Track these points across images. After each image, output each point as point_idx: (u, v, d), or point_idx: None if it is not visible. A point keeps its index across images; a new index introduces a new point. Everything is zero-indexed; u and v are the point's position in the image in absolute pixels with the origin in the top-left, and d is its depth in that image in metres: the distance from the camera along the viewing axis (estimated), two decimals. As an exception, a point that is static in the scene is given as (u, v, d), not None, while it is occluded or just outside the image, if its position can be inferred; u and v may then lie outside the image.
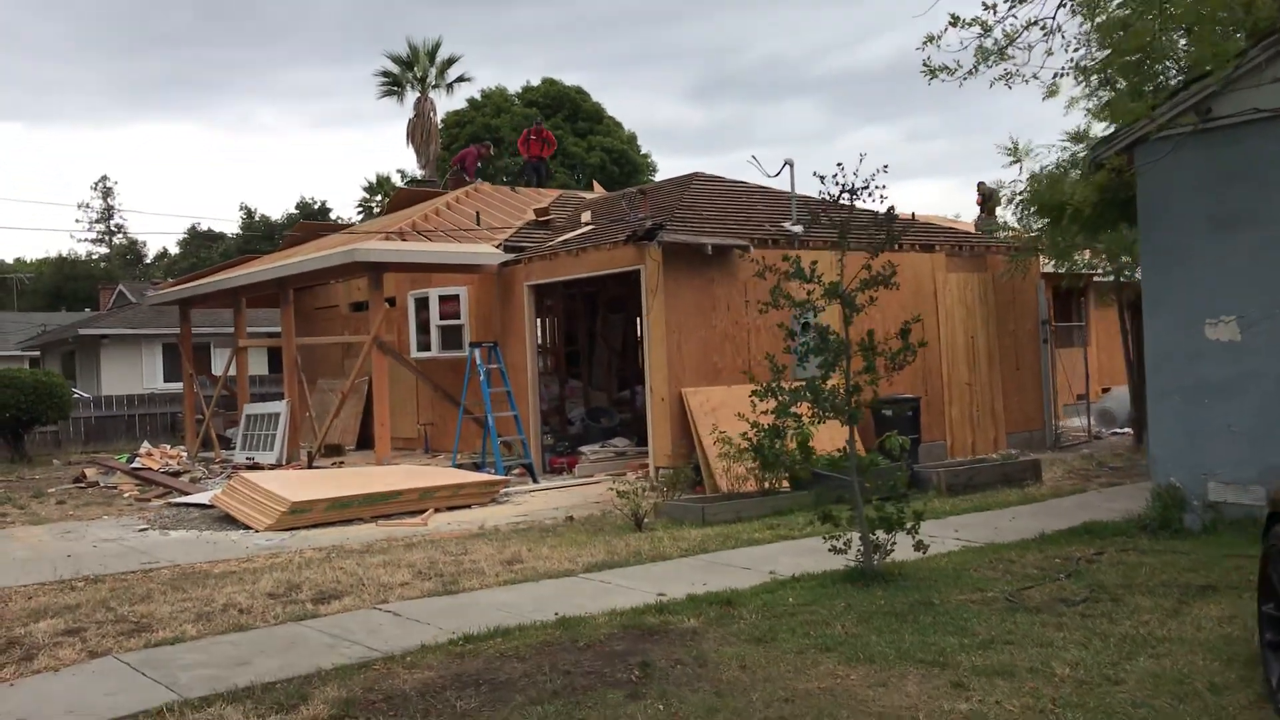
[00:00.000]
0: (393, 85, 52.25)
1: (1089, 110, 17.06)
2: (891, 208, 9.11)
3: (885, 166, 8.43)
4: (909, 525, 8.12)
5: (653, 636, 6.77)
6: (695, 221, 16.56)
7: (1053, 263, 19.06)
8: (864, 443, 16.51)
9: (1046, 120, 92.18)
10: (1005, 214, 24.76)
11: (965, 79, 10.79)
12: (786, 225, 16.91)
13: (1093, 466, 15.57)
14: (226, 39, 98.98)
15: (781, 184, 18.14)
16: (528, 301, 17.71)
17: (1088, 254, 19.20)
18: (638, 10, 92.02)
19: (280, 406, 18.99)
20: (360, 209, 65.24)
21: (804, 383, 8.38)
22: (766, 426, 8.47)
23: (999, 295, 19.11)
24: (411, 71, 52.20)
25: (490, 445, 16.58)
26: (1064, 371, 20.99)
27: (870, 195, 8.50)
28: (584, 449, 17.86)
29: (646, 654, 6.31)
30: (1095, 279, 21.81)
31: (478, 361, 16.66)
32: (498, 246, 18.33)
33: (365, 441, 21.86)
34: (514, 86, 58.12)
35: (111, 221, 76.93)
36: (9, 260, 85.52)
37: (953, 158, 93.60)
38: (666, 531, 10.80)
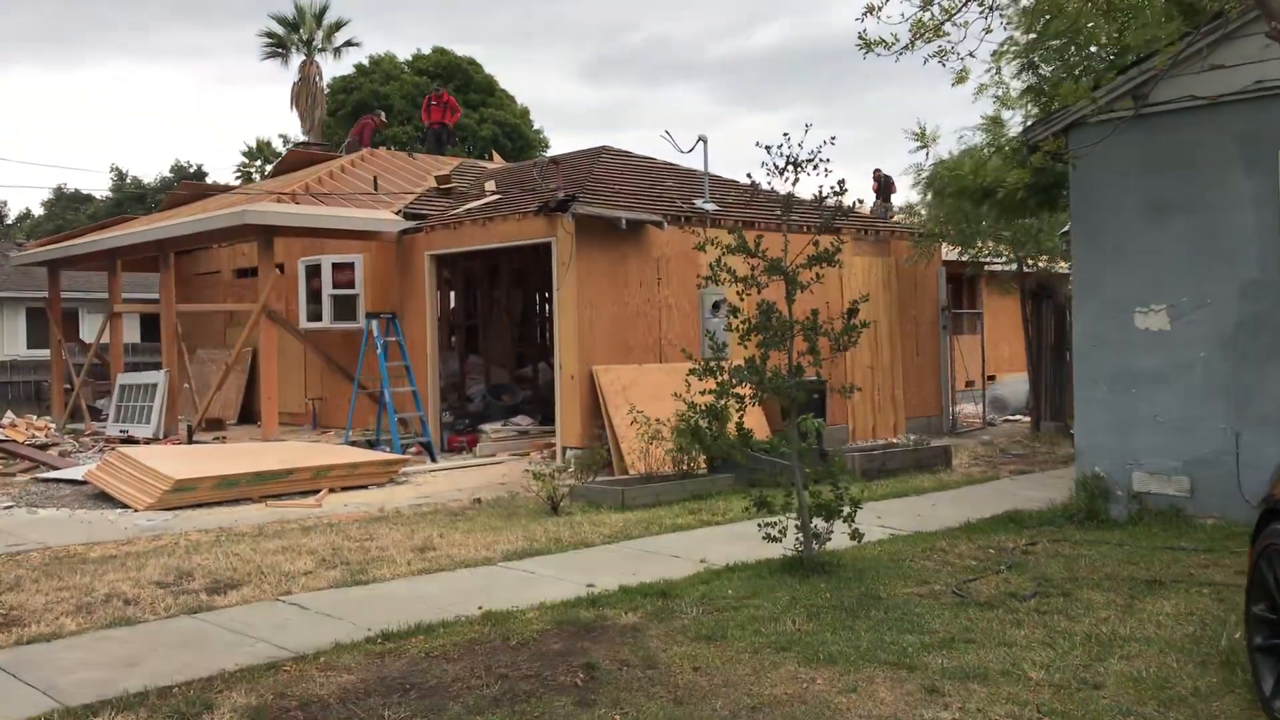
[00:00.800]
0: (277, 47, 50.35)
1: (997, 98, 17.12)
2: (841, 181, 8.68)
3: (832, 138, 8.03)
4: (846, 513, 7.79)
5: (590, 634, 6.27)
6: (607, 195, 16.03)
7: (957, 250, 19.09)
8: (771, 426, 16.28)
9: (931, 110, 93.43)
10: (906, 199, 24.87)
11: (901, 54, 10.51)
12: (699, 203, 16.51)
13: (996, 453, 15.60)
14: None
15: (693, 161, 17.74)
16: (429, 272, 16.96)
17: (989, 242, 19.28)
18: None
19: (158, 377, 17.86)
20: (239, 173, 62.73)
21: (744, 362, 7.95)
22: (704, 407, 8.02)
23: (901, 281, 19.06)
24: (297, 34, 50.42)
25: (387, 422, 15.83)
26: (960, 359, 21.10)
27: (815, 169, 8.07)
28: (485, 427, 17.22)
29: (588, 654, 5.81)
30: (990, 267, 22.00)
31: (375, 334, 15.86)
32: (397, 213, 17.51)
33: (247, 416, 20.85)
34: (404, 54, 56.49)
35: (-32, 178, 72.52)
36: None
37: (835, 148, 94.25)
38: (585, 516, 10.30)
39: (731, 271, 7.93)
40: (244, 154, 65.64)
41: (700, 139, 16.36)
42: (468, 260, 19.73)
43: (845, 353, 17.62)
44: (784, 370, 7.88)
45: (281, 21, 49.85)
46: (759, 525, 7.87)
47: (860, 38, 10.84)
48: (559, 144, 76.60)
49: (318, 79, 50.02)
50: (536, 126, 60.58)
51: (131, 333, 29.63)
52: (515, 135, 54.90)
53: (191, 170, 70.71)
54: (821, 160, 8.07)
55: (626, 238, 15.17)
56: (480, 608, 6.86)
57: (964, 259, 19.22)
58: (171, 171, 70.32)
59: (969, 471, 13.45)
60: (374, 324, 15.92)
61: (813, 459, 8.37)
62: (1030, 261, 18.17)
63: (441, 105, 23.74)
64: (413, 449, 15.98)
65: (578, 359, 14.72)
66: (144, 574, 7.98)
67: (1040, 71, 13.17)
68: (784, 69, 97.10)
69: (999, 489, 12.08)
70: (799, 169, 8.08)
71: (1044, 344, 18.21)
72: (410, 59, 57.24)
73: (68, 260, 20.84)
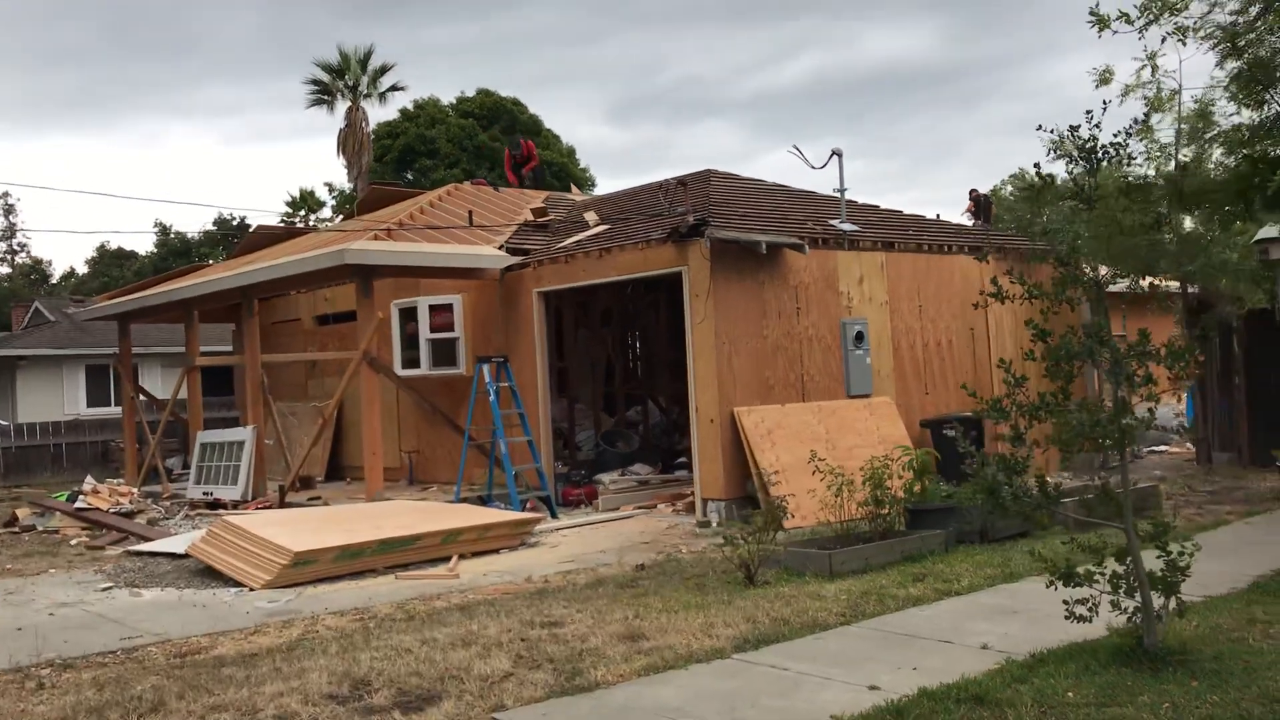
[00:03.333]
0: (322, 94, 49.65)
1: (1147, 99, 15.59)
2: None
3: (1145, 117, 6.53)
4: (1178, 580, 6.22)
5: (937, 764, 4.71)
6: (734, 219, 14.58)
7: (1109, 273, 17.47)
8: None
9: (963, 136, 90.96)
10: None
11: (1144, 29, 9.12)
12: (835, 223, 15.03)
13: (1186, 491, 13.92)
14: (134, 55, 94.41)
15: (818, 180, 16.33)
16: (538, 311, 15.56)
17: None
18: (555, 31, 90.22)
19: (245, 433, 16.49)
20: (283, 223, 62.00)
21: (1053, 397, 6.41)
22: (999, 456, 6.49)
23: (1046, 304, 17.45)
24: (343, 80, 49.70)
25: (500, 476, 14.39)
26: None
27: (1121, 158, 6.56)
28: (602, 478, 15.71)
29: (973, 803, 4.25)
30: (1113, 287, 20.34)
31: (486, 379, 14.43)
32: (499, 249, 16.14)
33: (334, 472, 19.48)
34: (447, 98, 55.91)
35: (14, 240, 72.33)
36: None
37: (868, 179, 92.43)
38: (789, 586, 8.72)
39: (1034, 287, 6.44)
40: (287, 204, 65.00)
41: (834, 153, 14.91)
42: (559, 299, 18.30)
43: (993, 384, 16.13)
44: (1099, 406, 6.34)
45: (326, 68, 49.13)
46: (1065, 603, 6.26)
47: (1092, 13, 9.50)
48: (603, 185, 75.73)
49: (364, 125, 49.27)
50: (582, 165, 59.77)
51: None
52: (563, 174, 53.94)
53: (235, 223, 70.36)
54: (1122, 148, 6.55)
55: (763, 265, 13.72)
56: (761, 725, 5.33)
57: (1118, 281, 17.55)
58: (215, 225, 69.88)
59: (1185, 515, 11.75)
60: (485, 369, 14.49)
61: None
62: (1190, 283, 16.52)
63: (526, 152, 22.86)
64: (527, 504, 14.49)
65: (717, 400, 13.21)
66: (309, 683, 6.47)
67: (1251, 55, 11.62)
68: (813, 101, 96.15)
69: (1242, 536, 10.43)
70: (1098, 160, 6.56)
71: (1210, 368, 16.55)
72: (454, 102, 56.66)
73: (140, 313, 19.59)
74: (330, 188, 62.49)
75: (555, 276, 15.36)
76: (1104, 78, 15.98)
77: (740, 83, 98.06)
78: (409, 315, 16.61)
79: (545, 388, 15.56)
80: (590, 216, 17.43)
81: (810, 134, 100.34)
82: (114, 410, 28.06)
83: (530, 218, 17.98)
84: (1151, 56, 14.19)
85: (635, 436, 17.28)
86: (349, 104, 49.18)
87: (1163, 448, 19.71)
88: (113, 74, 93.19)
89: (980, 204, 27.35)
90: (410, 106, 55.03)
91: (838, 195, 15.45)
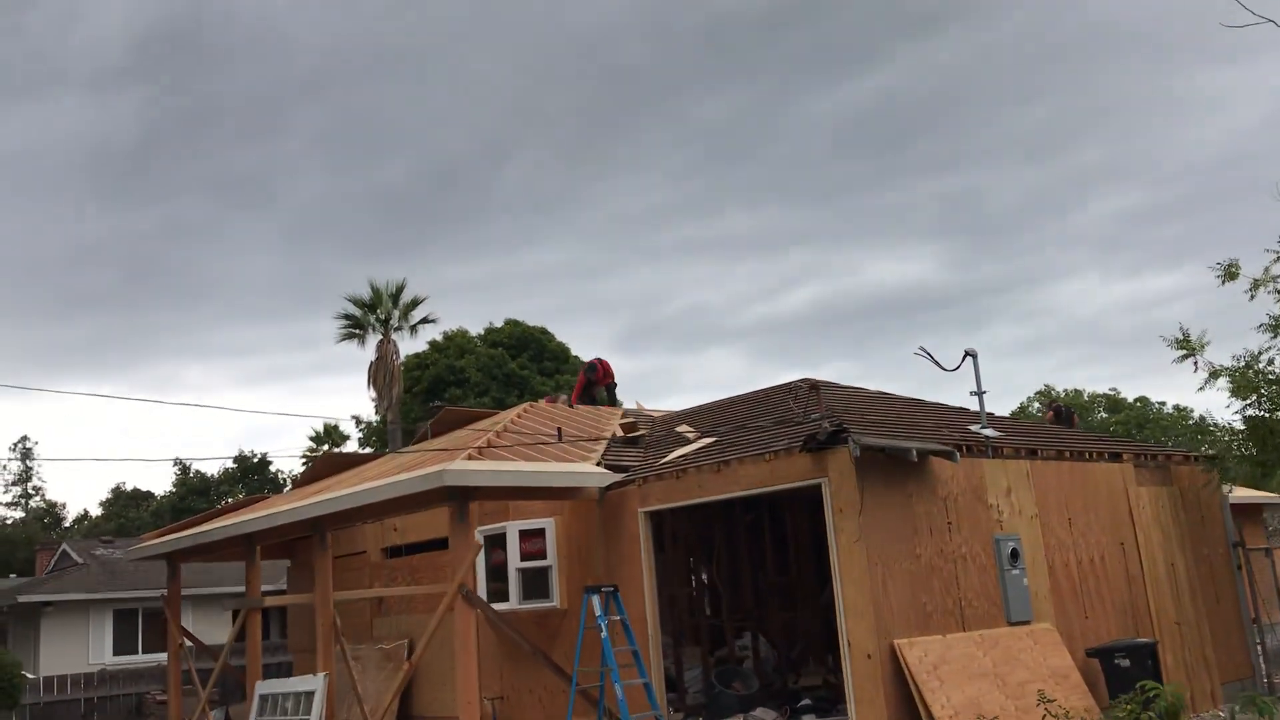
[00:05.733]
0: (354, 328, 49.59)
1: (1278, 290, 14.76)
2: None
3: None
4: None
5: None
6: (868, 426, 13.26)
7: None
8: (1098, 702, 12.85)
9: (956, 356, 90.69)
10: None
11: None
12: (977, 428, 13.71)
13: None
14: (152, 300, 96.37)
15: (961, 380, 15.12)
16: (644, 532, 13.99)
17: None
18: (563, 268, 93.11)
19: (315, 683, 14.63)
20: (306, 460, 61.00)
21: None
22: None
23: (1188, 514, 15.96)
24: (374, 314, 49.82)
25: (617, 725, 12.53)
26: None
27: None
28: (722, 725, 13.77)
29: None
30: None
31: (596, 612, 12.76)
32: (596, 465, 14.76)
33: (403, 723, 17.42)
34: (473, 329, 55.97)
35: (29, 484, 71.16)
36: (-87, 526, 78.96)
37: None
38: None
39: None
40: (311, 439, 64.25)
41: (968, 354, 13.76)
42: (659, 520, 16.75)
43: (1148, 604, 14.38)
44: None
45: (358, 303, 49.27)
46: None
47: None
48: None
49: (395, 357, 49.02)
50: (609, 393, 59.21)
51: (221, 629, 26.55)
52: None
53: (255, 460, 69.39)
54: None
55: (910, 475, 12.30)
56: None
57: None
58: (235, 462, 68.83)
59: None
60: (594, 599, 12.85)
61: None
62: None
63: (603, 372, 22.36)
64: (645, 761, 12.57)
65: (874, 631, 11.50)
66: None
67: None
68: (816, 327, 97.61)
69: None
70: None
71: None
72: (483, 332, 56.78)
73: (195, 550, 18.01)
74: (357, 420, 61.74)
75: (664, 494, 13.89)
76: (1230, 272, 15.13)
77: (744, 311, 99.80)
78: (495, 542, 15.06)
79: (655, 621, 13.83)
80: (683, 429, 16.18)
81: (814, 359, 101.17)
82: (142, 659, 26.06)
83: (620, 433, 16.70)
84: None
85: (753, 676, 15.32)
86: (380, 337, 49.06)
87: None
88: (130, 320, 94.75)
89: (1061, 414, 26.25)
90: (439, 338, 55.04)
91: (974, 403, 14.22)
